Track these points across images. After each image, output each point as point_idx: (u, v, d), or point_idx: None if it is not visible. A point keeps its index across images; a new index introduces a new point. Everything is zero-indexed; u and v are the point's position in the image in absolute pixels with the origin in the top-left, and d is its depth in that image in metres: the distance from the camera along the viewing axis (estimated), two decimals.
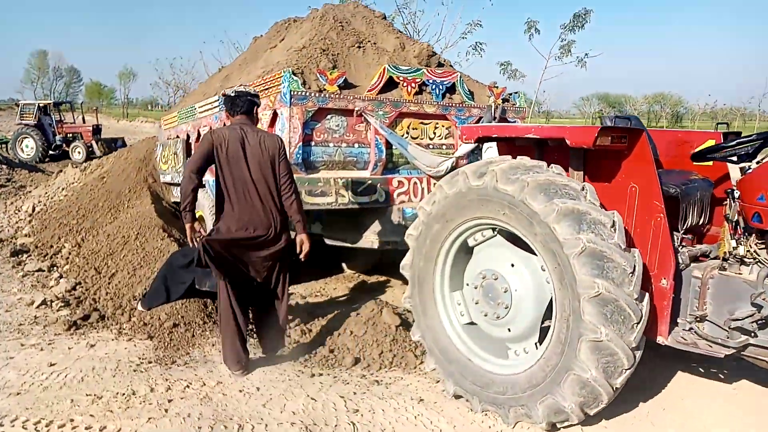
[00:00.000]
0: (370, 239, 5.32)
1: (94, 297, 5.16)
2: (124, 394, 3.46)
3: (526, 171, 3.02)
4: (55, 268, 6.12)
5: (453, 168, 5.33)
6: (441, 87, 5.31)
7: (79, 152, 20.06)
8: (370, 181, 5.02)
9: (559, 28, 12.96)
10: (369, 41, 5.38)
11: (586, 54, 13.08)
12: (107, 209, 7.21)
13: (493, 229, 3.34)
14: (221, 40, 43.00)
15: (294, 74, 4.57)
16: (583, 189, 2.92)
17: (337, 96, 4.76)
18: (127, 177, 7.70)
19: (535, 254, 3.06)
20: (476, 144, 5.41)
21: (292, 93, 4.54)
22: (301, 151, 4.69)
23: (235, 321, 3.80)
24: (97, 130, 21.05)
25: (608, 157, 3.15)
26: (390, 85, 5.04)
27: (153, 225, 6.25)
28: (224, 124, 4.92)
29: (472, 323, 3.52)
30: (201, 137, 4.36)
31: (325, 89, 4.72)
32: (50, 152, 20.30)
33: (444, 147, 5.45)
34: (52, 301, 5.02)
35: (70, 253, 6.39)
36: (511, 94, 5.81)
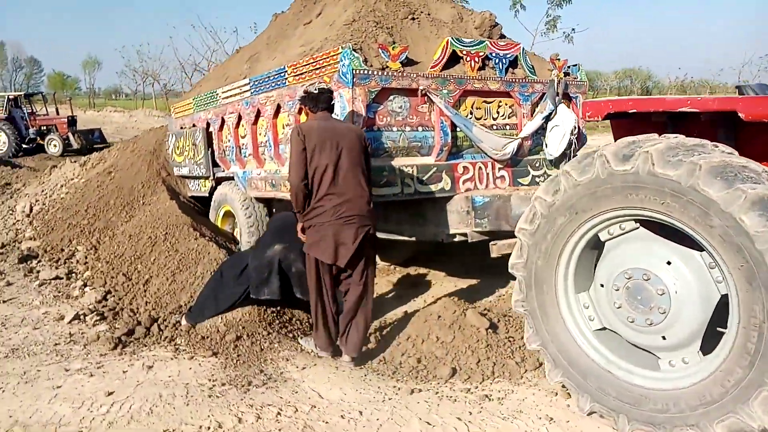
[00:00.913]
0: (432, 232, 4.86)
1: (131, 308, 4.63)
2: (208, 428, 2.97)
3: (690, 151, 2.59)
4: (74, 275, 5.55)
5: (518, 150, 4.93)
6: (504, 61, 4.84)
7: (55, 145, 19.06)
8: (435, 168, 4.55)
9: (546, 3, 12.60)
10: (422, 12, 4.87)
11: (573, 29, 12.74)
12: (120, 207, 6.61)
13: (636, 221, 2.90)
14: (192, 25, 41.18)
15: (354, 50, 4.06)
16: (764, 171, 2.50)
17: (400, 74, 4.26)
18: (138, 171, 7.08)
19: (697, 249, 2.65)
20: (544, 122, 5.09)
21: (354, 72, 4.03)
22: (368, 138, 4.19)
23: (327, 307, 3.81)
24: (72, 121, 20.02)
25: (758, 131, 2.75)
26: (452, 60, 4.56)
27: (181, 223, 5.69)
28: (298, 118, 4.55)
29: (603, 329, 3.11)
30: (290, 136, 3.94)
31: (387, 66, 4.22)
32: (24, 146, 19.24)
33: (507, 127, 4.99)
34: (84, 315, 4.48)
35: (87, 257, 5.82)
36: (570, 67, 5.36)
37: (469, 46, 4.60)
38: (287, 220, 4.35)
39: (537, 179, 5.19)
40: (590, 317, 3.14)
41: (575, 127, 5.17)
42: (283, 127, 5.03)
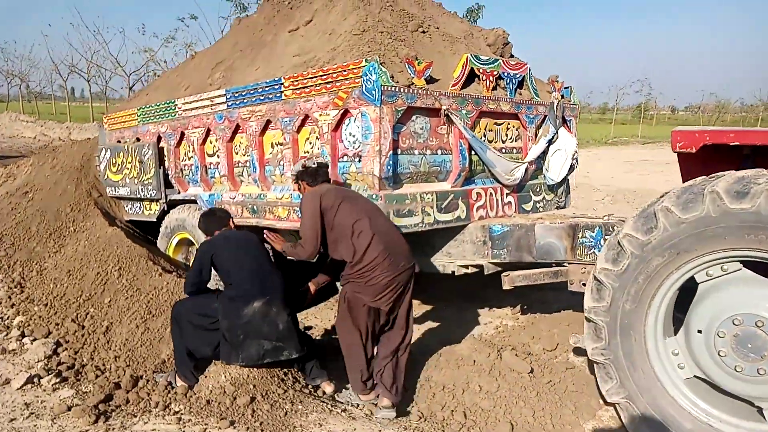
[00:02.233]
0: (441, 262, 4.48)
1: (96, 365, 3.79)
2: None
3: None
4: (0, 321, 4.52)
5: (525, 174, 4.68)
6: (514, 81, 4.58)
7: None
8: (452, 195, 4.17)
9: None
10: (430, 25, 4.48)
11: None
12: (46, 235, 5.56)
13: (741, 262, 2.70)
14: (71, 23, 37.76)
15: (382, 64, 3.60)
16: None
17: (424, 92, 3.85)
18: (63, 191, 6.03)
19: None
20: (547, 146, 4.88)
21: (383, 88, 3.56)
22: (391, 162, 3.73)
23: (368, 352, 3.54)
24: None
25: None
26: (467, 78, 4.22)
27: (135, 256, 4.85)
28: (297, 137, 4.12)
29: (692, 377, 2.88)
30: (303, 202, 3.52)
31: (412, 83, 3.79)
32: None
33: (514, 151, 4.73)
34: (39, 377, 3.59)
35: (11, 298, 4.78)
36: (564, 89, 5.21)
37: (486, 64, 4.29)
38: (259, 259, 3.69)
39: (538, 205, 4.97)
40: (680, 365, 2.90)
41: (576, 152, 5.03)
42: (272, 146, 4.43)
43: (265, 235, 3.92)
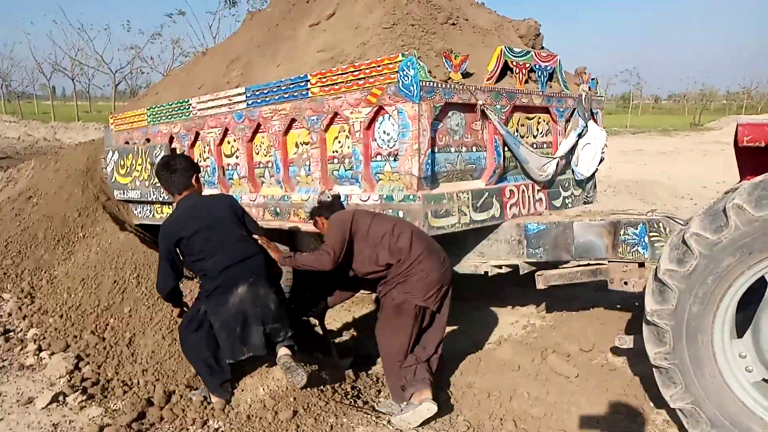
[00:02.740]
0: (473, 263, 4.32)
1: (122, 380, 3.61)
2: None
3: None
4: (11, 333, 4.32)
5: (556, 170, 4.55)
6: (545, 74, 4.43)
7: None
8: (487, 193, 4.03)
9: None
10: (458, 17, 4.32)
11: None
12: (53, 241, 5.35)
13: None
14: (55, 21, 37.02)
15: (419, 59, 3.43)
16: None
17: (461, 87, 3.70)
18: (69, 196, 5.80)
19: None
20: (577, 140, 4.75)
21: (422, 84, 3.40)
22: (429, 161, 3.57)
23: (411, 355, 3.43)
24: None
25: None
26: (501, 72, 4.07)
27: (152, 262, 4.66)
28: (324, 136, 4.02)
29: (763, 380, 2.77)
30: (335, 218, 3.50)
31: (449, 78, 3.63)
32: None
33: (545, 146, 4.59)
34: (64, 394, 3.40)
35: (22, 309, 4.58)
36: (591, 81, 5.08)
37: (519, 57, 4.14)
38: (234, 234, 3.37)
39: (567, 201, 4.85)
40: (747, 368, 2.78)
41: (605, 145, 4.91)
42: (297, 146, 4.26)
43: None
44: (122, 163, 5.81)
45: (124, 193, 5.87)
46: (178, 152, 5.21)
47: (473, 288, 5.40)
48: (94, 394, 3.45)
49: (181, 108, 5.06)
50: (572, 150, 4.74)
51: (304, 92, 4.00)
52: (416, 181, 3.52)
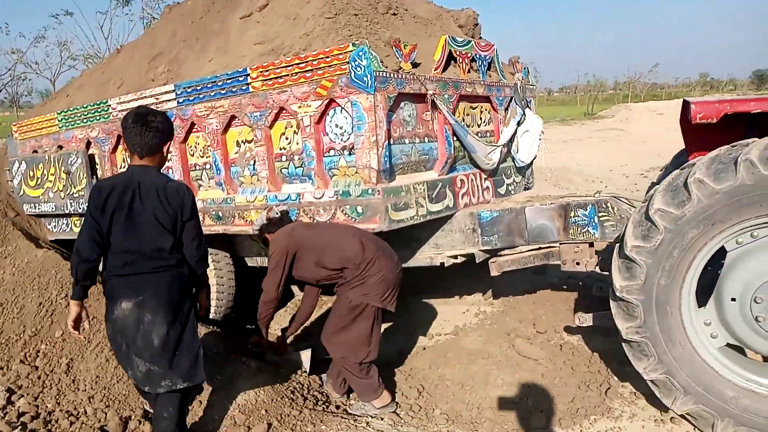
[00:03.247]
0: (428, 255, 4.27)
1: (65, 409, 3.24)
2: None
3: None
4: None
5: (501, 158, 4.59)
6: (484, 63, 4.46)
7: None
8: (440, 184, 3.99)
9: None
10: (398, 7, 4.24)
11: None
12: None
13: None
14: None
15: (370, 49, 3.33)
16: None
17: (411, 77, 3.63)
18: None
19: None
20: (516, 127, 4.81)
21: (375, 74, 3.30)
22: (387, 153, 3.48)
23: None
24: None
25: None
26: (446, 62, 4.04)
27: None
28: (269, 133, 3.82)
29: (726, 345, 2.90)
30: (273, 245, 3.48)
31: (401, 68, 3.56)
32: None
33: (488, 134, 4.62)
34: None
35: None
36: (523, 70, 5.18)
37: (461, 46, 4.13)
38: (149, 231, 2.60)
39: (510, 188, 4.92)
40: (713, 334, 2.92)
41: (542, 131, 5.03)
42: (238, 145, 4.03)
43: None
44: (31, 174, 5.28)
45: (35, 206, 5.34)
46: (97, 157, 4.81)
47: (417, 281, 5.38)
48: (37, 429, 3.07)
49: (99, 110, 4.66)
50: (512, 138, 4.81)
51: (244, 87, 3.79)
52: (375, 174, 3.42)
